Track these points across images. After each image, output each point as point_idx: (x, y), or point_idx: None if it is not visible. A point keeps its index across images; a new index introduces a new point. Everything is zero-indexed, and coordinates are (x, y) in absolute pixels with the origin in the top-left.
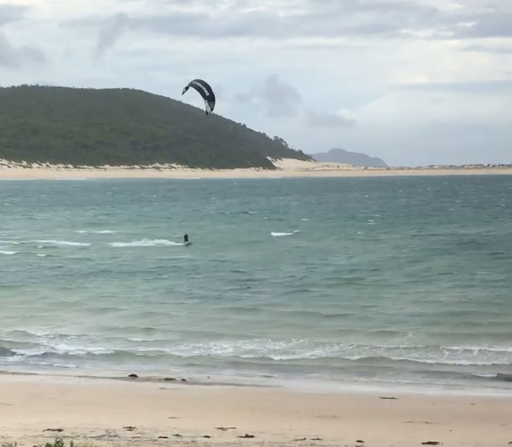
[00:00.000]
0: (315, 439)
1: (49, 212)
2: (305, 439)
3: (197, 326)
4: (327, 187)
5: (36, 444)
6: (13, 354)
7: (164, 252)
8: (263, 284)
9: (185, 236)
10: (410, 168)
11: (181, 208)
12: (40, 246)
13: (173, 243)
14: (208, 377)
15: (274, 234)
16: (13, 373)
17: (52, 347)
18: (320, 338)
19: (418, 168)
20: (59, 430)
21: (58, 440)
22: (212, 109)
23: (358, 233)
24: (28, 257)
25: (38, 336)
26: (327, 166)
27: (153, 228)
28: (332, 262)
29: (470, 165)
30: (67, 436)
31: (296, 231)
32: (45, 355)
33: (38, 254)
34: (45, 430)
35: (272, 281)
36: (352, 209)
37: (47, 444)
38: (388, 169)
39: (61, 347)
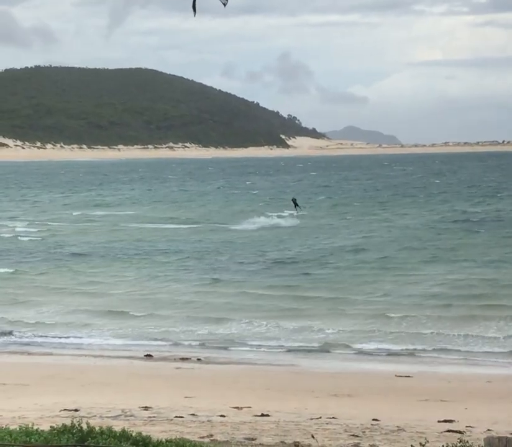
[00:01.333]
0: (330, 418)
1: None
2: (320, 418)
3: (211, 307)
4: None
5: (53, 425)
6: (29, 335)
7: None
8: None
9: (293, 201)
10: (424, 145)
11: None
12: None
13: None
14: (223, 357)
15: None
16: (29, 354)
17: (68, 326)
18: (332, 318)
19: (432, 145)
20: (76, 410)
21: (75, 421)
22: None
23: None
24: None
25: (54, 316)
26: (341, 144)
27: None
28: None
29: (485, 142)
30: (83, 416)
31: None
32: (60, 335)
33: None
34: (62, 410)
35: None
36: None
37: (63, 424)
38: (402, 146)
39: (76, 327)
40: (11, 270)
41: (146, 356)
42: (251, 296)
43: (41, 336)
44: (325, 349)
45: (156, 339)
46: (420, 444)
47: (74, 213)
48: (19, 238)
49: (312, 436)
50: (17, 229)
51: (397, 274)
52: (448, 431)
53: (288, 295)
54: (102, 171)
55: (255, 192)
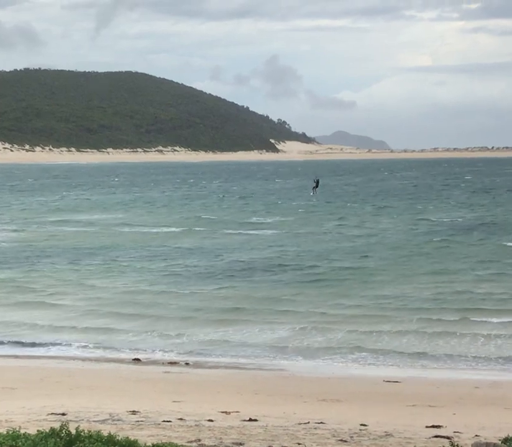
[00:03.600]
0: (319, 423)
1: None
2: (308, 422)
3: (205, 309)
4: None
5: (41, 428)
6: (17, 337)
7: None
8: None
9: (316, 181)
10: (414, 151)
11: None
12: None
13: None
14: (211, 361)
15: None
16: (16, 357)
17: (56, 329)
18: (324, 323)
19: (422, 151)
20: (63, 414)
21: (63, 424)
22: None
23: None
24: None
25: (43, 319)
26: (331, 148)
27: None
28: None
29: (474, 147)
30: (71, 420)
31: None
32: (49, 338)
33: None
34: (49, 414)
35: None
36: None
37: (51, 428)
38: (392, 151)
39: (64, 329)
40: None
41: (134, 359)
42: (239, 299)
43: (29, 340)
44: (314, 354)
45: (143, 343)
46: None
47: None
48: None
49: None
50: None
51: (384, 279)
52: (436, 436)
53: (274, 299)
54: (75, 175)
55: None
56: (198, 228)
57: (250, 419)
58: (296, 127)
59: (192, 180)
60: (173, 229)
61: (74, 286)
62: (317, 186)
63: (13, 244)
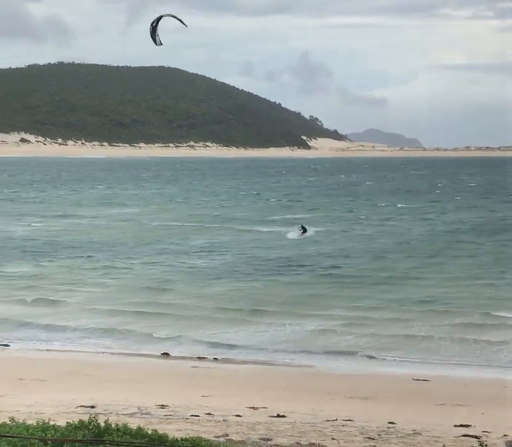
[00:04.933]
0: (346, 420)
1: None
2: (336, 419)
3: (234, 304)
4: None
5: (70, 420)
6: (48, 330)
7: None
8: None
9: (303, 229)
10: (446, 149)
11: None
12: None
13: None
14: (239, 357)
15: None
16: (47, 349)
17: (87, 323)
18: (353, 321)
19: (454, 149)
20: (92, 407)
21: (92, 417)
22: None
23: None
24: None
25: (74, 313)
26: (362, 146)
27: None
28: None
29: (507, 147)
30: (100, 413)
31: None
32: (79, 332)
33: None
34: (78, 406)
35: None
36: None
37: (80, 420)
38: (424, 149)
39: (95, 324)
40: (33, 267)
41: (163, 354)
42: (267, 296)
43: (60, 333)
44: (342, 351)
45: (171, 339)
46: None
47: (87, 211)
48: (37, 234)
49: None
50: (34, 225)
51: (409, 281)
52: (465, 435)
53: (306, 296)
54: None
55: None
56: (219, 225)
57: (278, 416)
58: (327, 124)
59: (226, 177)
60: (195, 224)
61: (101, 280)
62: (305, 231)
63: (42, 236)
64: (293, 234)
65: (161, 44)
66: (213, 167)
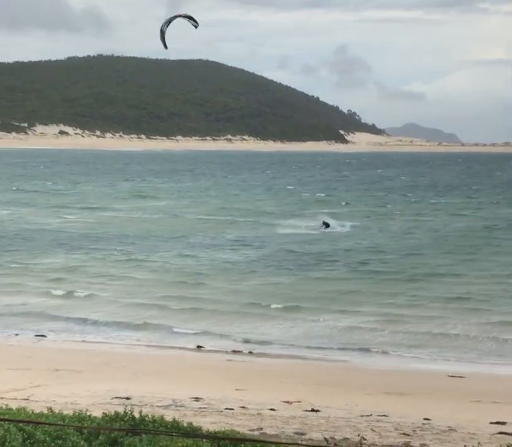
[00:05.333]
0: (381, 416)
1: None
2: (371, 415)
3: (267, 299)
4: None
5: (105, 411)
6: (81, 323)
7: None
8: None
9: (325, 224)
10: (485, 145)
11: None
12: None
13: None
14: (274, 351)
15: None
16: (83, 341)
17: (119, 316)
18: (389, 317)
19: (493, 145)
20: (127, 398)
21: (127, 408)
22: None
23: None
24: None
25: (109, 305)
26: (400, 140)
27: None
28: None
29: None
30: (135, 405)
31: None
32: (112, 324)
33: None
34: (114, 398)
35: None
36: None
37: (116, 412)
38: (463, 145)
39: (128, 317)
40: (66, 260)
41: (197, 347)
42: (304, 292)
43: (93, 325)
44: (377, 347)
45: (205, 332)
46: (473, 446)
47: (121, 204)
48: (71, 226)
49: (363, 438)
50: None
51: (445, 277)
52: (501, 433)
53: (339, 292)
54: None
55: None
56: (252, 219)
57: (312, 410)
58: (366, 118)
59: (268, 171)
60: (228, 218)
61: (133, 274)
62: (327, 226)
63: (76, 229)
64: (315, 228)
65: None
66: (248, 161)
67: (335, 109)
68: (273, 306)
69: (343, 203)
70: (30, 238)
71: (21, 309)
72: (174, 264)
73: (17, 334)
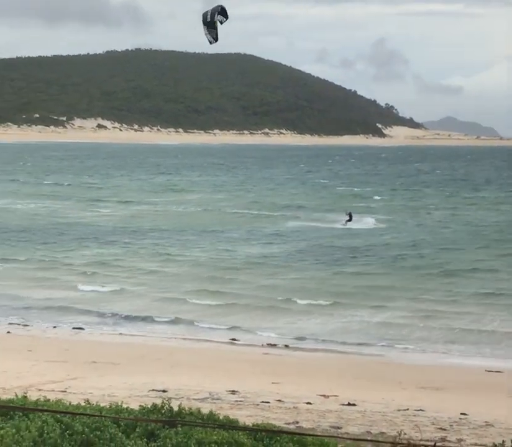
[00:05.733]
0: (418, 410)
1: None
2: (408, 409)
3: (300, 294)
4: None
5: (142, 404)
6: (117, 315)
7: None
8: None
9: (349, 215)
10: None
11: None
12: None
13: None
14: (311, 344)
15: None
16: (120, 333)
17: (152, 310)
18: (425, 312)
19: None
20: (164, 391)
21: (164, 401)
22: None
23: None
24: None
25: (144, 298)
26: (438, 134)
27: None
28: None
29: None
30: (171, 397)
31: None
32: (147, 318)
33: None
34: (150, 390)
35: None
36: None
37: (153, 403)
38: (501, 139)
39: (161, 311)
40: (100, 254)
41: (231, 339)
42: (339, 287)
43: (129, 318)
44: (414, 342)
45: (240, 327)
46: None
47: (155, 198)
48: (105, 220)
49: (402, 433)
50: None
51: (479, 273)
52: None
53: (374, 287)
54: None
55: None
56: (285, 213)
57: (349, 404)
58: (403, 112)
59: (301, 165)
60: (261, 212)
61: (166, 268)
62: (350, 219)
63: (110, 222)
64: (342, 222)
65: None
66: (284, 155)
67: (373, 103)
68: (308, 301)
69: (378, 198)
70: (65, 232)
71: (56, 303)
72: (208, 258)
73: (54, 327)
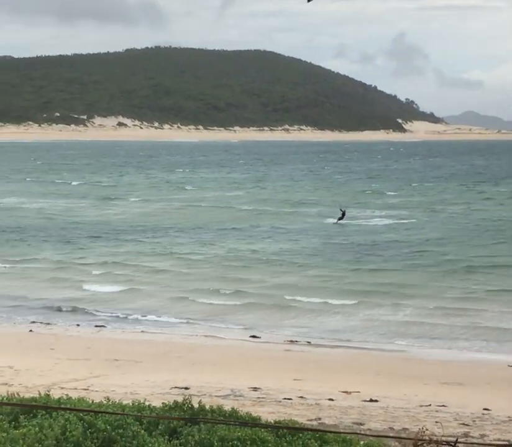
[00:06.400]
0: (440, 406)
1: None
2: (430, 405)
3: (319, 291)
4: None
5: (164, 401)
6: (135, 314)
7: None
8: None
9: (342, 212)
10: None
11: None
12: None
13: None
14: (332, 341)
15: None
16: (142, 331)
17: (171, 309)
18: (447, 309)
19: None
20: (186, 388)
21: (186, 398)
22: None
23: None
24: None
25: (165, 295)
26: (459, 129)
27: None
28: None
29: None
30: (193, 395)
31: None
32: (165, 316)
33: None
34: (172, 388)
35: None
36: None
37: (175, 401)
38: None
39: (180, 309)
40: (116, 252)
41: (251, 336)
42: (357, 284)
43: (146, 317)
44: (435, 338)
45: (259, 324)
46: None
47: (169, 195)
48: (119, 219)
49: (425, 429)
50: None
51: (497, 269)
52: None
53: (393, 284)
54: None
55: None
56: (303, 209)
57: (371, 400)
58: (424, 107)
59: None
60: (275, 209)
61: (185, 265)
62: (342, 217)
63: (137, 219)
64: (333, 219)
65: None
66: (304, 151)
67: (393, 98)
68: (327, 299)
69: (395, 193)
70: (79, 230)
71: (73, 302)
72: (224, 256)
73: (78, 325)
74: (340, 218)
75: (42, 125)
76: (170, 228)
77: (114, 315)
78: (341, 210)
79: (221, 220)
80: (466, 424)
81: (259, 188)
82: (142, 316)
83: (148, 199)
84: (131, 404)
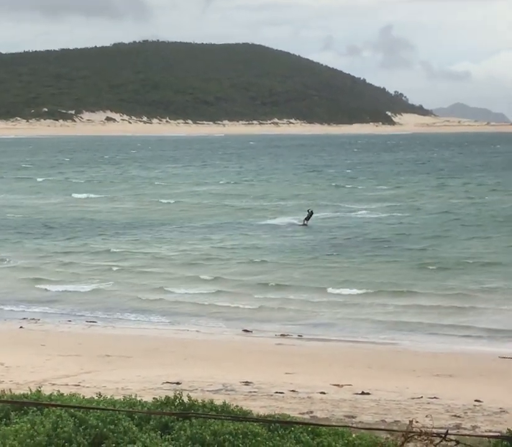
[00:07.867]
0: (432, 398)
1: None
2: (422, 397)
3: (316, 284)
4: None
5: (156, 396)
6: (130, 310)
7: None
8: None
9: (310, 213)
10: None
11: None
12: None
13: None
14: (323, 334)
15: None
16: (132, 327)
17: (167, 304)
18: (439, 300)
19: None
20: (178, 383)
21: (177, 393)
22: None
23: None
24: None
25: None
26: (448, 121)
27: None
28: None
29: None
30: (185, 389)
31: None
32: (159, 312)
33: None
34: (164, 383)
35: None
36: None
37: (166, 396)
38: (511, 124)
39: (175, 304)
40: (114, 248)
41: (243, 331)
42: (355, 277)
43: (140, 313)
44: (427, 330)
45: (253, 318)
46: None
47: (164, 190)
48: (118, 215)
49: (414, 421)
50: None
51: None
52: None
53: (390, 278)
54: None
55: None
56: (296, 203)
57: (362, 393)
58: (413, 99)
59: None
60: (272, 203)
61: (184, 260)
62: (308, 218)
63: (128, 216)
64: (297, 220)
65: None
66: (293, 144)
67: (382, 91)
68: (318, 293)
69: (386, 187)
70: (74, 226)
71: (65, 297)
72: (217, 251)
73: (69, 321)
74: (306, 219)
75: (30, 121)
76: (165, 224)
77: (102, 311)
78: (308, 211)
79: (215, 214)
80: (458, 416)
81: (251, 184)
82: (129, 312)
83: (146, 194)
84: (122, 400)
